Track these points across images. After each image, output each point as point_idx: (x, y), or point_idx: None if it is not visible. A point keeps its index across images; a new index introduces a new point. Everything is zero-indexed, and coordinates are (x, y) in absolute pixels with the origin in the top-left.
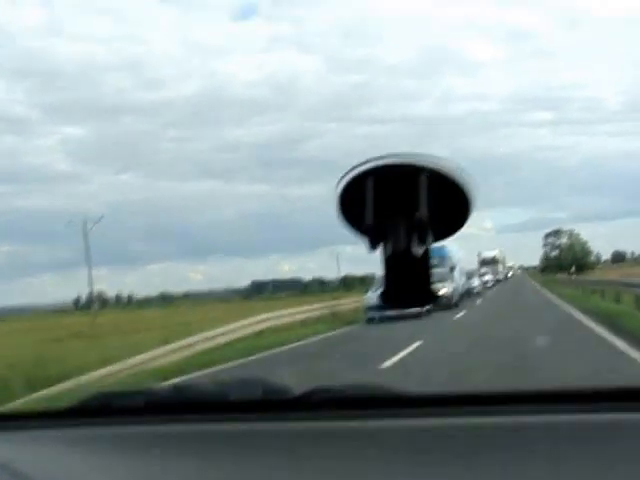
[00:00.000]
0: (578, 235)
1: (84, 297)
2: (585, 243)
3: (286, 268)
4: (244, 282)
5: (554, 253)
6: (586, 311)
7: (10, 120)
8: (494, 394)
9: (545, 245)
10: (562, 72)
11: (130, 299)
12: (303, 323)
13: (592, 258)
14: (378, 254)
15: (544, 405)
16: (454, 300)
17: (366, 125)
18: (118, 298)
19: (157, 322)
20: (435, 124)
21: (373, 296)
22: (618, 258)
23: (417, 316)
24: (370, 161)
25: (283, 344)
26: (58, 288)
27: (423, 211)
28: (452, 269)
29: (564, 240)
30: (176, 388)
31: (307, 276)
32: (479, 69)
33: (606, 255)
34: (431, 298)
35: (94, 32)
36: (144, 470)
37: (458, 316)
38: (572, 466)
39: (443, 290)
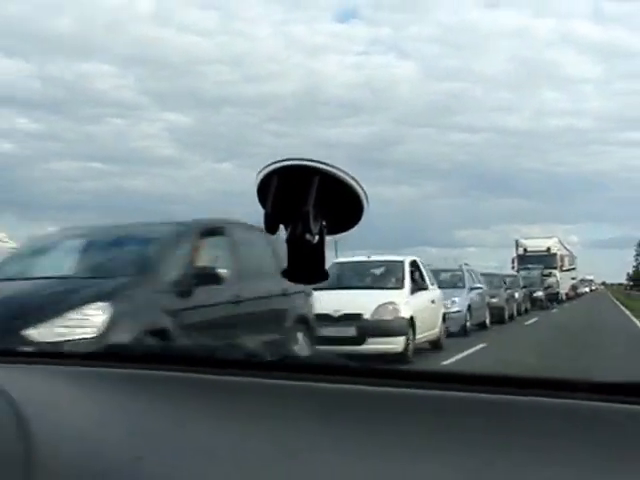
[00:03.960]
0: None
1: None
2: None
3: None
4: None
5: None
6: None
7: (120, 105)
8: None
9: (637, 255)
10: None
11: None
12: None
13: None
14: None
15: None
16: None
17: (457, 133)
18: None
19: None
20: (528, 137)
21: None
22: None
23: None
24: (277, 162)
25: None
26: None
27: (308, 206)
28: None
29: None
30: (167, 345)
31: None
32: (575, 85)
33: None
34: (323, 277)
35: (201, 25)
36: (139, 409)
37: None
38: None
39: None
